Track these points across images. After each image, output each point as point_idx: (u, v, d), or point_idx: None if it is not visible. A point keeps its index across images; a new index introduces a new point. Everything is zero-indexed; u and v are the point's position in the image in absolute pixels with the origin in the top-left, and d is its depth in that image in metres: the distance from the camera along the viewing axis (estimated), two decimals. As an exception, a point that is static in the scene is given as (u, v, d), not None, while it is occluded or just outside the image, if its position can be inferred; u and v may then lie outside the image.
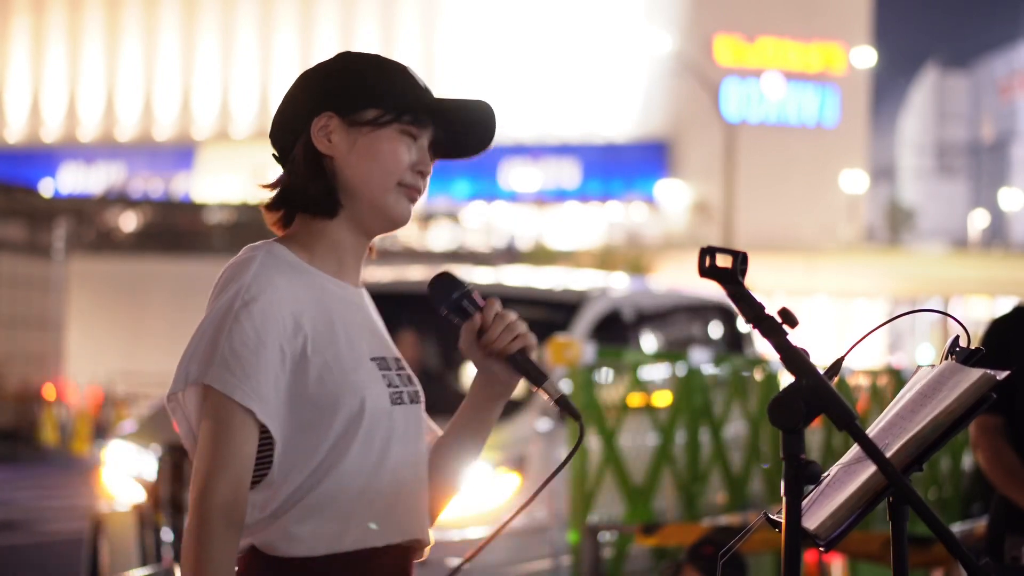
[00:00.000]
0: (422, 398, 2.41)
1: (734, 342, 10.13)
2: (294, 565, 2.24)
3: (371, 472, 2.27)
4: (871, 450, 2.09)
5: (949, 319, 2.40)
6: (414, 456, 2.35)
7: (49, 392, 28.43)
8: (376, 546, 2.28)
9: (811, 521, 2.22)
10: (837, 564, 7.49)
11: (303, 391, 2.24)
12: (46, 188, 47.32)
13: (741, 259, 2.19)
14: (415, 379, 2.42)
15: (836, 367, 2.28)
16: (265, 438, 2.23)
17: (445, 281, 2.38)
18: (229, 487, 2.19)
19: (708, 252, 2.20)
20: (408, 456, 2.33)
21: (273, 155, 2.38)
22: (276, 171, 2.39)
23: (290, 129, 2.34)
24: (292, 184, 2.33)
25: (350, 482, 2.25)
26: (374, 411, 2.28)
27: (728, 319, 10.07)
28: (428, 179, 2.37)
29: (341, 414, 2.25)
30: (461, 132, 2.37)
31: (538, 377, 2.37)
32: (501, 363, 2.37)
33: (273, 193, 2.36)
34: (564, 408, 2.33)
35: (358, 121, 2.31)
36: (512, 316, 2.36)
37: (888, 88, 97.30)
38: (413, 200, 2.35)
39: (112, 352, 35.97)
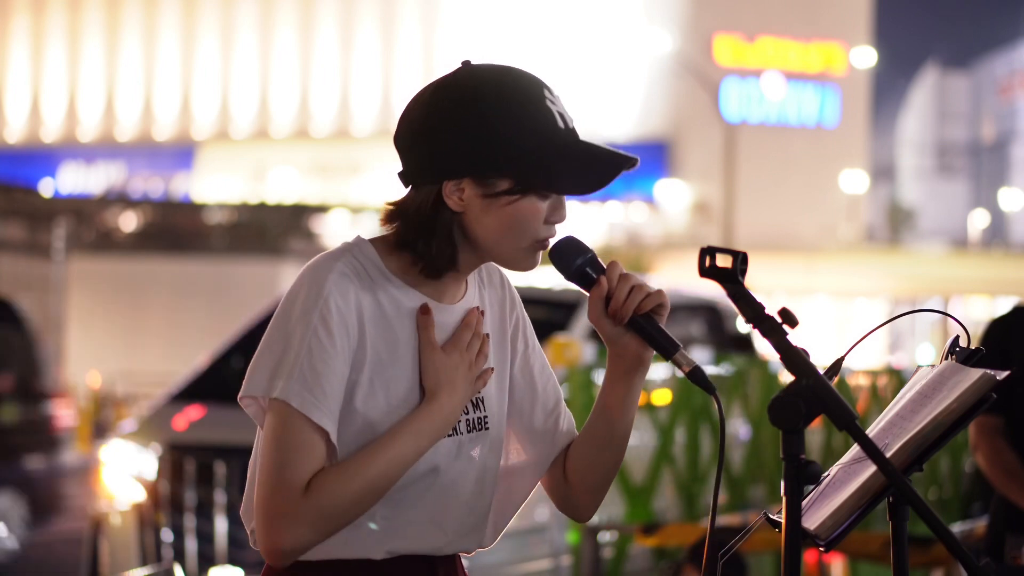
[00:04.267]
0: (489, 423, 2.32)
1: (727, 343, 10.10)
2: (301, 569, 2.23)
3: (394, 494, 2.23)
4: (871, 450, 2.09)
5: (949, 319, 2.40)
6: (458, 482, 2.28)
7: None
8: (376, 558, 2.25)
9: (811, 521, 2.22)
10: (837, 564, 7.50)
11: (351, 404, 2.21)
12: (46, 188, 47.30)
13: (741, 259, 2.19)
14: (487, 402, 2.33)
15: (836, 367, 2.28)
16: None
17: (567, 246, 2.27)
18: (297, 479, 2.15)
19: (708, 252, 2.20)
20: (447, 484, 2.27)
21: (399, 172, 2.27)
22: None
23: (421, 168, 2.23)
24: (413, 234, 2.23)
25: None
26: None
27: (717, 319, 10.05)
28: (565, 220, 2.26)
29: (367, 437, 2.22)
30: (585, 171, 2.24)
31: (667, 345, 2.23)
32: (630, 332, 2.27)
33: (391, 207, 2.26)
34: (697, 382, 2.21)
35: (491, 191, 2.20)
36: (639, 278, 2.25)
37: (888, 88, 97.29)
38: (539, 251, 2.26)
39: (112, 352, 35.96)
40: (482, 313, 2.34)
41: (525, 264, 2.26)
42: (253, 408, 2.23)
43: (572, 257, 2.27)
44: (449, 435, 2.26)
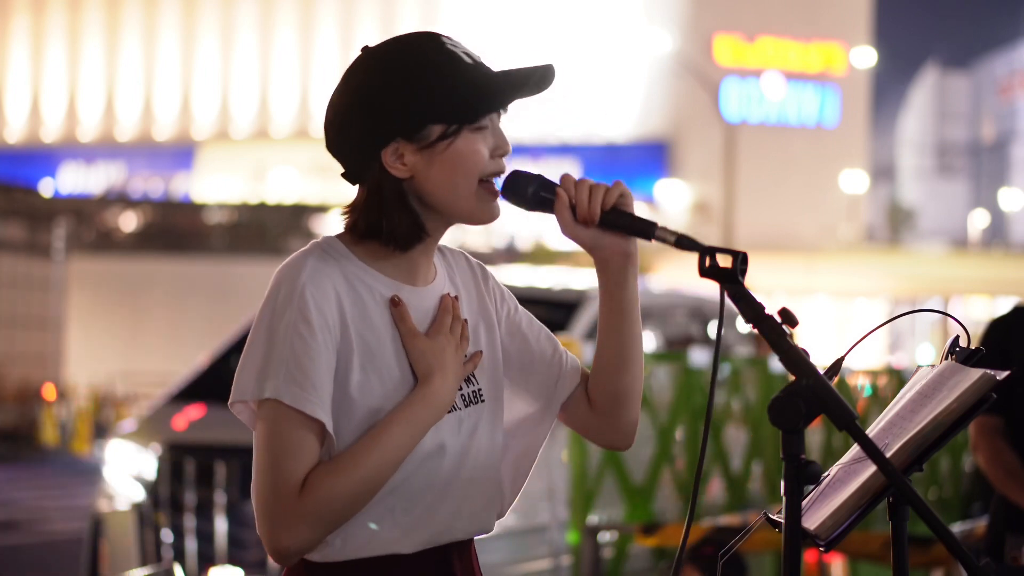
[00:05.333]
0: (484, 395, 2.34)
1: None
2: (320, 569, 2.22)
3: (404, 482, 2.23)
4: (871, 450, 2.09)
5: (949, 319, 2.40)
6: (464, 458, 2.29)
7: (49, 392, 28.44)
8: (405, 552, 2.24)
9: (811, 521, 2.22)
10: (837, 564, 7.50)
11: (346, 394, 2.21)
12: (46, 188, 47.30)
13: (741, 259, 2.20)
14: (479, 374, 2.35)
15: (836, 367, 2.28)
16: None
17: (516, 180, 2.30)
18: (292, 479, 2.15)
19: (708, 252, 2.21)
20: (455, 461, 2.28)
21: (342, 174, 2.30)
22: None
23: (356, 153, 2.27)
24: (374, 216, 2.26)
25: (383, 492, 2.21)
26: None
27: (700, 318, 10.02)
28: (509, 151, 2.29)
29: (370, 424, 2.21)
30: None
31: (645, 227, 2.27)
32: (607, 232, 2.30)
33: (350, 208, 2.29)
34: (687, 247, 2.24)
35: (427, 142, 2.24)
36: (591, 180, 2.29)
37: (888, 88, 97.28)
38: (495, 195, 2.28)
39: (112, 352, 35.97)
40: (455, 298, 2.36)
41: (485, 213, 2.28)
42: (245, 414, 2.23)
43: (524, 187, 2.29)
44: (449, 411, 2.28)
